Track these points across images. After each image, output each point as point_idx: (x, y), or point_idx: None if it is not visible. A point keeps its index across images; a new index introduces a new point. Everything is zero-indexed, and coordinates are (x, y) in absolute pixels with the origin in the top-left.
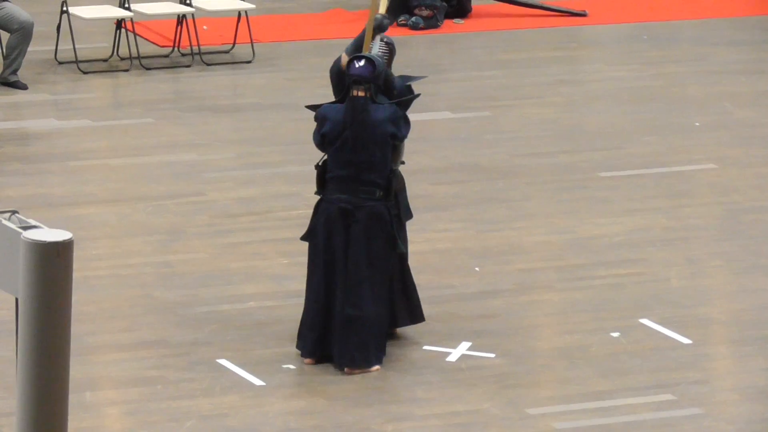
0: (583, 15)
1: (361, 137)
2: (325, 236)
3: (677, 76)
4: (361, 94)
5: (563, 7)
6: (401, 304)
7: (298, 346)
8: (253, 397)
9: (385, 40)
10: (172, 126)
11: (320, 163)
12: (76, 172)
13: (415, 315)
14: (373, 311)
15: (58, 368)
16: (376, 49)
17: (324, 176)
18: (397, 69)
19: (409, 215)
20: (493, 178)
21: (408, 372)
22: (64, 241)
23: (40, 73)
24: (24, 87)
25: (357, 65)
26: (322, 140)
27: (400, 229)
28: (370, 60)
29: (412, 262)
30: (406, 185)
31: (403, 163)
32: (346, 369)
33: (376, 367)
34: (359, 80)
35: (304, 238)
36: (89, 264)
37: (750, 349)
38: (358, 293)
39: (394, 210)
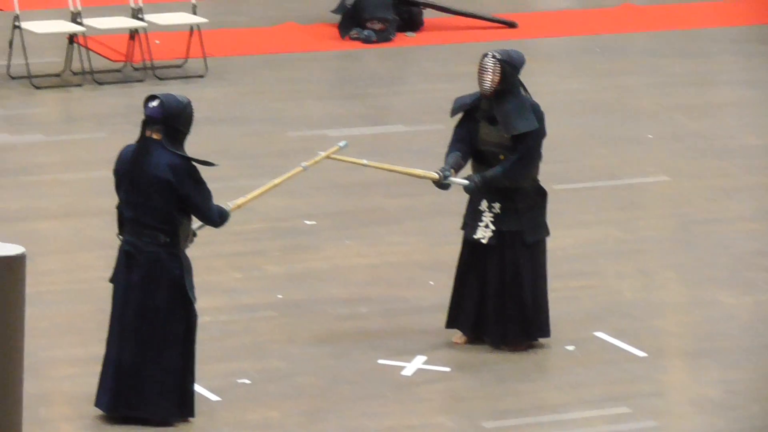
0: (512, 26)
1: (138, 178)
2: (114, 279)
3: (630, 88)
4: (149, 134)
5: (494, 17)
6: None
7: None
8: (207, 412)
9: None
10: (125, 140)
11: (119, 205)
12: (28, 187)
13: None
14: (138, 361)
15: (11, 383)
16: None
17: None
18: (353, 82)
19: (544, 232)
20: (446, 192)
21: (363, 386)
22: (17, 255)
23: None
24: None
25: (150, 105)
26: (114, 179)
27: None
28: (161, 101)
29: (365, 275)
30: (365, 198)
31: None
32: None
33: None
34: (149, 121)
35: (111, 279)
36: (42, 279)
37: (704, 362)
38: (129, 341)
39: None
